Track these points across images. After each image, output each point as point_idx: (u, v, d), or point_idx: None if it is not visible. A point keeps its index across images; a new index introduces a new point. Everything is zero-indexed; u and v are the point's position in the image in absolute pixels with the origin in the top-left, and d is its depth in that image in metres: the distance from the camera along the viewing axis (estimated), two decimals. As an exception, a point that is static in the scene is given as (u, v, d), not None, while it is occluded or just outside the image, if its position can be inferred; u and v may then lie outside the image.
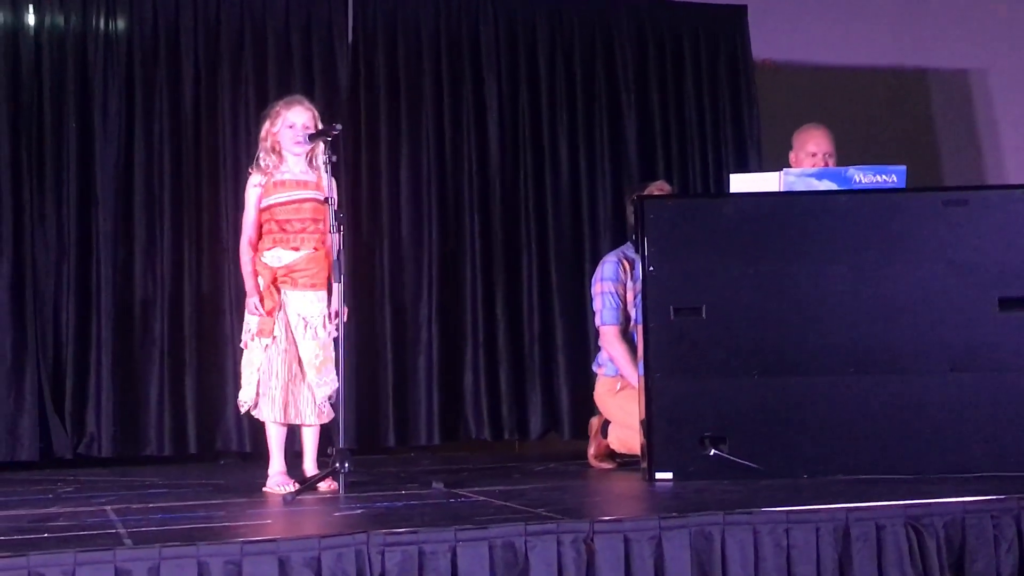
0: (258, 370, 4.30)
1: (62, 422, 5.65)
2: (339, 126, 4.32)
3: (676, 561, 3.11)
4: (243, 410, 4.41)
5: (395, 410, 6.09)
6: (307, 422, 4.34)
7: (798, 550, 3.19)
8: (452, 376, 6.23)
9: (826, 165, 5.08)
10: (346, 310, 4.35)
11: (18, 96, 5.72)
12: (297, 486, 4.19)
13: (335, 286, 4.23)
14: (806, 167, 5.04)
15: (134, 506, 3.92)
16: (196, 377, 5.82)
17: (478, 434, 6.23)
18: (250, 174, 4.45)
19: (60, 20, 5.82)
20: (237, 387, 4.46)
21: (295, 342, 4.30)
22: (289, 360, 4.29)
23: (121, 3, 5.90)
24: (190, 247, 5.89)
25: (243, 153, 5.91)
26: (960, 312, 4.28)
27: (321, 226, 4.35)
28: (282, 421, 4.32)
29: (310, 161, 4.40)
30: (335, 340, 4.32)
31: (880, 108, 7.17)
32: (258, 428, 4.80)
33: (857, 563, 3.20)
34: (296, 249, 4.34)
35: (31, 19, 5.79)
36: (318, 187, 4.36)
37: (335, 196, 4.28)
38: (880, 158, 4.68)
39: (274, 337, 4.28)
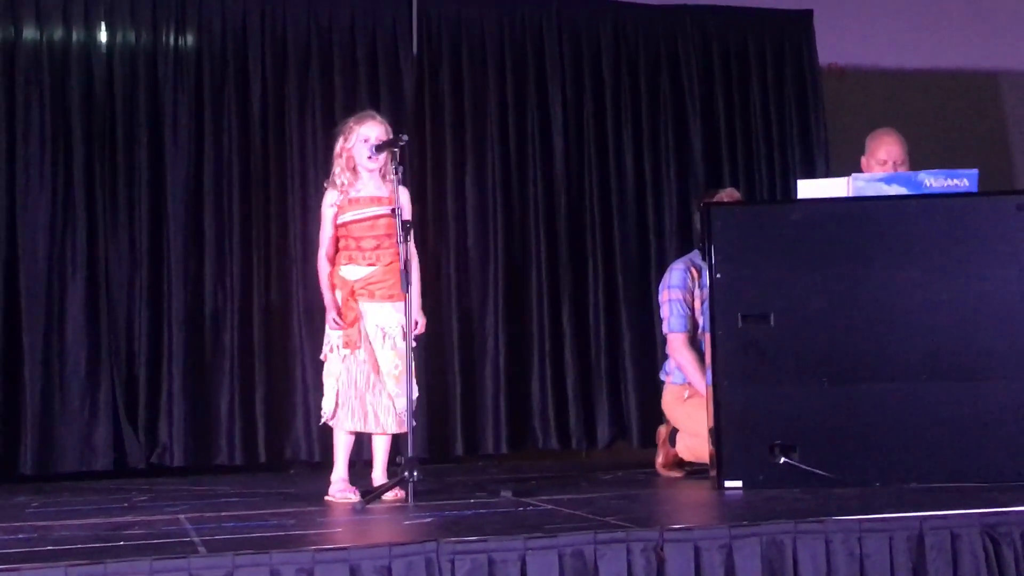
0: (337, 380, 4.35)
1: (135, 432, 5.73)
2: (405, 137, 4.35)
3: (747, 570, 3.08)
4: (322, 420, 4.46)
5: (463, 419, 6.10)
6: (388, 431, 4.38)
7: (871, 559, 3.15)
8: (519, 385, 6.23)
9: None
10: (423, 320, 4.40)
11: (91, 112, 5.82)
12: (358, 494, 4.22)
13: (411, 297, 4.25)
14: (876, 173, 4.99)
15: (207, 515, 3.97)
16: (265, 387, 5.87)
17: (545, 443, 6.22)
18: (325, 190, 4.50)
19: (131, 37, 5.90)
20: (311, 398, 4.51)
21: (373, 353, 4.34)
22: (367, 370, 4.33)
23: (190, 20, 5.98)
24: (259, 259, 5.95)
25: (310, 166, 5.98)
26: (1035, 317, 4.21)
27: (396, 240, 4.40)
28: (362, 430, 4.37)
29: (383, 176, 4.44)
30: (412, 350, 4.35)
31: (951, 111, 7.08)
32: (327, 437, 4.82)
33: (932, 573, 3.15)
34: (372, 264, 4.38)
35: (103, 36, 5.89)
36: (391, 202, 4.36)
37: (403, 206, 4.31)
38: (951, 162, 4.61)
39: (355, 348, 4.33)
